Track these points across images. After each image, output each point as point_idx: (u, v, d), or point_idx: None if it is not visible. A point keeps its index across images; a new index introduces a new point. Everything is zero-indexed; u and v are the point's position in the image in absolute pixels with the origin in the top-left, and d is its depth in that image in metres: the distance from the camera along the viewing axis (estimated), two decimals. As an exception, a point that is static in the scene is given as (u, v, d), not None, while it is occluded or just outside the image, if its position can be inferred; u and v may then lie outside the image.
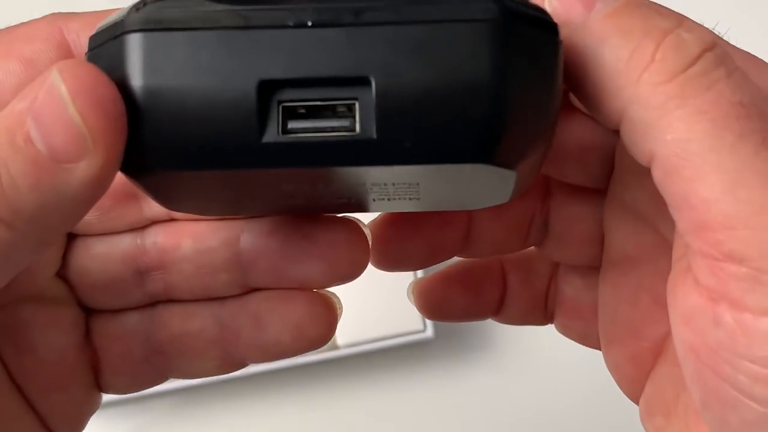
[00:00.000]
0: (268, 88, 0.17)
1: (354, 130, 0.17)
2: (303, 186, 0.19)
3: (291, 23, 0.17)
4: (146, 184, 0.19)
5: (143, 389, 0.25)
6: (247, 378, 0.46)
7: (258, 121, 0.17)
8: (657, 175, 0.18)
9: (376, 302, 0.44)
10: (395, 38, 0.17)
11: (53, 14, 0.22)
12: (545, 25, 0.18)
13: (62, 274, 0.24)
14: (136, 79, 0.17)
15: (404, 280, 0.47)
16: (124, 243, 0.24)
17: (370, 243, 0.24)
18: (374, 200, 0.21)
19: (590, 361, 0.49)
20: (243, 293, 0.24)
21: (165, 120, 0.17)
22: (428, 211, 0.24)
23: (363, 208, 0.22)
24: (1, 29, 0.22)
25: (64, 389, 0.24)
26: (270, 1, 0.17)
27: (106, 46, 0.18)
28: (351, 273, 0.24)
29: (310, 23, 0.17)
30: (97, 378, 0.25)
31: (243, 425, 0.47)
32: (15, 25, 0.22)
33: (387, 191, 0.20)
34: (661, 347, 0.23)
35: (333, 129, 0.17)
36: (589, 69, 0.18)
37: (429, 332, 0.45)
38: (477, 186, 0.19)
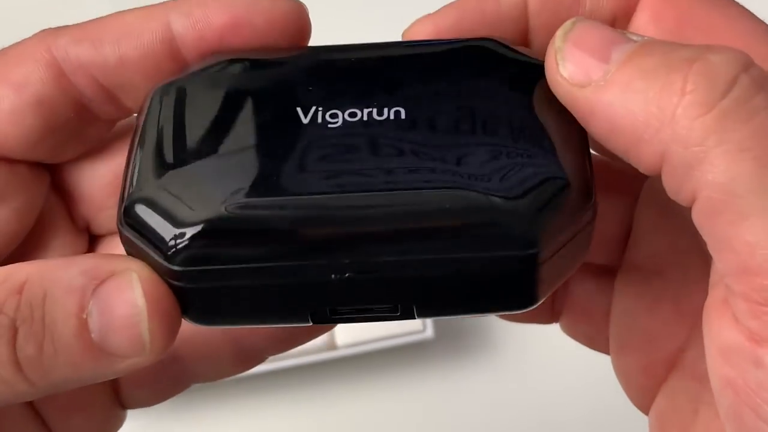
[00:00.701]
0: (319, 316, 0.19)
1: (395, 312, 0.19)
2: None
3: (332, 276, 0.18)
4: None
5: (166, 399, 0.25)
6: (246, 378, 0.46)
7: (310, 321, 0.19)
8: (698, 216, 0.17)
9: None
10: (427, 281, 0.18)
11: (42, 32, 0.22)
12: (580, 223, 0.19)
13: None
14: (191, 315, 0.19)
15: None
16: None
17: None
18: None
19: (590, 362, 0.48)
20: None
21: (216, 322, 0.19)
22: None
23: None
24: None
25: (84, 409, 0.24)
26: (302, 256, 0.18)
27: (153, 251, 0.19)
28: None
29: (348, 275, 0.18)
30: (118, 394, 0.25)
31: (243, 425, 0.47)
32: (5, 48, 0.22)
33: None
34: (676, 359, 0.23)
35: (377, 310, 0.19)
36: (619, 121, 0.17)
37: (429, 332, 0.45)
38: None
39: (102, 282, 0.17)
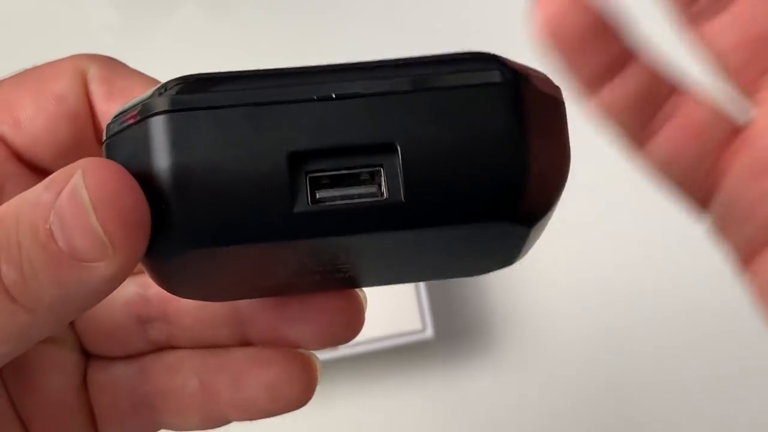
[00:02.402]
0: (297, 160, 0.17)
1: (381, 195, 0.18)
2: (323, 261, 0.19)
3: (315, 96, 0.18)
4: (169, 268, 0.19)
5: None
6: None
7: (290, 193, 0.17)
8: None
9: (375, 302, 0.44)
10: (416, 105, 0.18)
11: (76, 56, 0.23)
12: (549, 86, 0.19)
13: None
14: (165, 162, 0.17)
15: (404, 280, 0.47)
16: (129, 291, 0.25)
17: (365, 308, 0.24)
18: (386, 270, 0.21)
19: (590, 361, 0.49)
20: (232, 346, 0.25)
21: (195, 199, 0.17)
22: (437, 279, 0.24)
23: (373, 281, 0.22)
24: (29, 68, 0.23)
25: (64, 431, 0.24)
26: (289, 77, 0.18)
27: (127, 132, 0.18)
28: (343, 338, 0.24)
29: (333, 95, 0.18)
30: (95, 424, 0.25)
31: (242, 425, 0.47)
32: (42, 65, 0.23)
33: (401, 260, 0.20)
34: None
35: (361, 196, 0.18)
36: None
37: (429, 332, 0.45)
38: (490, 248, 0.20)
39: (62, 189, 0.17)
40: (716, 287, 0.48)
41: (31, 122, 0.22)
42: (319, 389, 0.51)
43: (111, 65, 0.23)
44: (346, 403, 0.47)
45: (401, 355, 0.47)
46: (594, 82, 0.21)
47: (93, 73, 0.23)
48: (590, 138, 0.48)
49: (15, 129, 0.22)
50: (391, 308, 0.46)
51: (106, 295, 0.19)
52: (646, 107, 0.21)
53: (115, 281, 0.18)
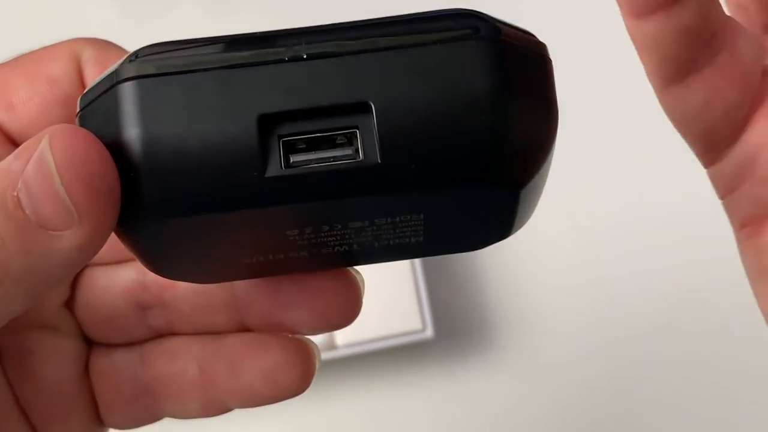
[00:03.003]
0: (268, 123, 0.17)
1: (358, 157, 0.17)
2: (305, 232, 0.19)
3: (286, 57, 0.17)
4: (145, 241, 0.18)
5: (138, 427, 0.25)
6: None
7: (261, 157, 0.17)
8: None
9: (375, 302, 0.44)
10: (391, 63, 0.17)
11: (71, 39, 0.23)
12: (533, 42, 0.18)
13: (69, 304, 0.24)
14: (133, 129, 0.17)
15: (404, 280, 0.47)
16: (127, 278, 0.24)
17: (362, 291, 0.24)
18: (376, 246, 0.20)
19: (590, 361, 0.49)
20: (231, 332, 0.25)
21: (166, 166, 0.17)
22: (431, 255, 0.23)
23: (365, 257, 0.22)
24: (24, 53, 0.23)
25: (64, 420, 0.24)
26: (260, 41, 0.17)
27: (98, 102, 0.17)
28: (339, 322, 0.24)
29: (305, 56, 0.17)
30: (97, 411, 0.25)
31: (242, 425, 0.47)
32: (37, 49, 0.23)
33: (391, 232, 0.19)
34: None
35: (336, 159, 0.17)
36: None
37: (429, 332, 0.45)
38: (481, 217, 0.19)
39: (30, 157, 0.17)
40: (717, 289, 0.48)
41: (25, 106, 0.22)
42: (319, 389, 0.51)
43: (106, 48, 0.23)
44: (346, 403, 0.47)
45: (401, 355, 0.47)
46: (649, 8, 0.19)
47: (87, 56, 0.22)
48: (591, 145, 0.48)
49: (8, 113, 0.22)
50: (391, 308, 0.46)
51: (77, 267, 0.18)
52: (697, 40, 0.19)
53: (83, 252, 0.18)
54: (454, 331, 0.48)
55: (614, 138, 0.50)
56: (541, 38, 0.19)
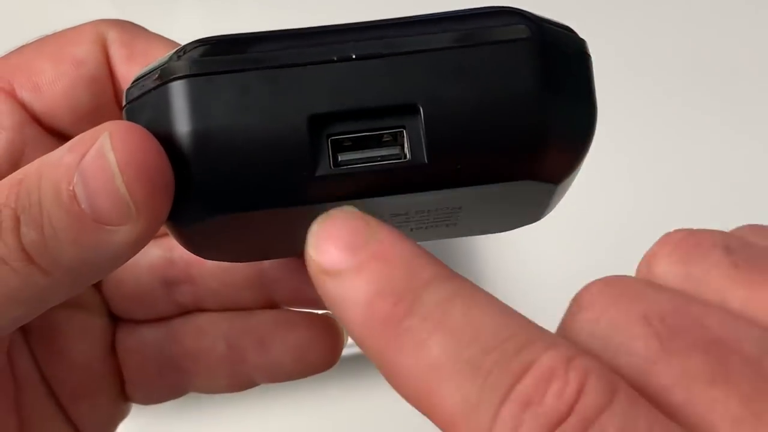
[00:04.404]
0: (317, 123, 0.17)
1: (404, 157, 0.17)
2: None
3: (335, 58, 0.17)
4: (191, 232, 0.18)
5: (162, 401, 0.26)
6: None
7: (311, 156, 0.17)
8: None
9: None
10: (437, 64, 0.17)
11: (96, 20, 0.23)
12: (574, 41, 0.18)
13: (96, 282, 0.24)
14: (185, 127, 0.17)
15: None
16: (154, 254, 0.25)
17: None
18: (412, 230, 0.21)
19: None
20: (258, 309, 0.25)
21: (217, 165, 0.17)
22: (461, 236, 0.23)
23: None
24: (49, 34, 0.23)
25: (92, 396, 0.24)
26: (309, 37, 0.18)
27: (147, 97, 0.18)
28: None
29: (354, 56, 0.17)
30: (123, 388, 0.25)
31: (242, 425, 0.47)
32: (62, 30, 0.23)
33: (427, 218, 0.20)
34: None
35: (384, 158, 0.17)
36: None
37: (429, 332, 0.45)
38: (516, 206, 0.20)
39: (86, 151, 0.17)
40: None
41: (51, 86, 0.22)
42: (319, 389, 0.52)
43: (130, 29, 0.23)
44: (346, 403, 0.47)
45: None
46: None
47: (113, 36, 0.22)
48: (592, 145, 0.48)
49: (35, 93, 0.22)
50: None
51: (125, 260, 0.19)
52: None
53: (135, 246, 0.18)
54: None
55: (615, 139, 0.50)
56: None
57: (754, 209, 0.49)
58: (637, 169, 0.51)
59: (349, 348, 0.45)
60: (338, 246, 0.16)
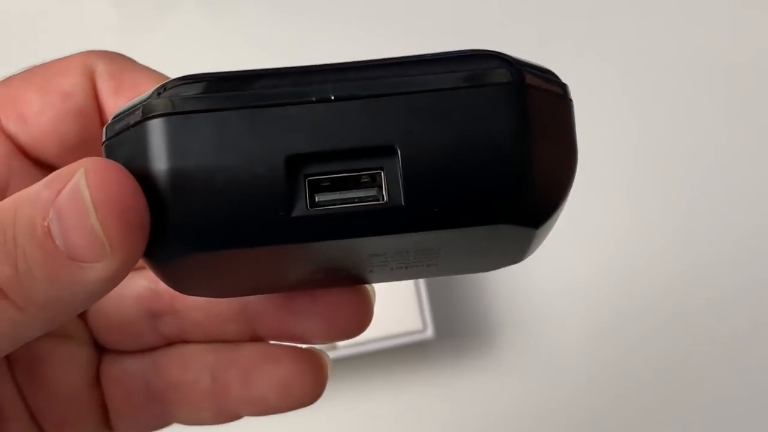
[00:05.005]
0: (295, 163, 0.17)
1: (382, 198, 0.17)
2: (326, 261, 0.19)
3: (313, 98, 0.17)
4: (169, 269, 0.19)
5: None
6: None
7: (287, 196, 0.17)
8: None
9: (376, 303, 0.45)
10: (416, 107, 0.17)
11: (84, 52, 0.23)
12: (555, 84, 0.18)
13: (81, 312, 0.24)
14: (162, 165, 0.17)
15: (405, 281, 0.47)
16: (139, 285, 0.25)
17: (373, 301, 0.24)
18: (392, 269, 0.21)
19: (590, 361, 0.49)
20: (243, 341, 0.25)
21: (194, 203, 0.17)
22: (442, 276, 0.24)
23: (380, 278, 0.22)
24: (37, 65, 0.23)
25: (76, 427, 0.24)
26: (288, 77, 0.18)
27: (126, 134, 0.18)
28: (352, 331, 0.24)
29: (332, 97, 0.17)
30: (107, 418, 0.25)
31: (242, 425, 0.47)
32: (50, 61, 0.23)
33: (406, 259, 0.20)
34: None
35: (361, 200, 0.17)
36: None
37: (429, 332, 0.45)
38: (497, 248, 0.19)
39: (63, 188, 0.17)
40: (722, 293, 0.48)
41: (38, 118, 0.22)
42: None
43: (119, 61, 0.23)
44: (346, 403, 0.47)
45: (401, 355, 0.47)
46: None
47: (101, 68, 0.23)
48: (593, 147, 0.48)
49: (21, 124, 0.22)
50: (392, 308, 0.46)
51: (100, 297, 0.18)
52: None
53: (110, 283, 0.18)
54: (454, 331, 0.48)
55: (616, 140, 0.50)
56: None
57: (754, 209, 0.49)
58: (637, 168, 0.51)
59: (350, 348, 0.45)
60: None
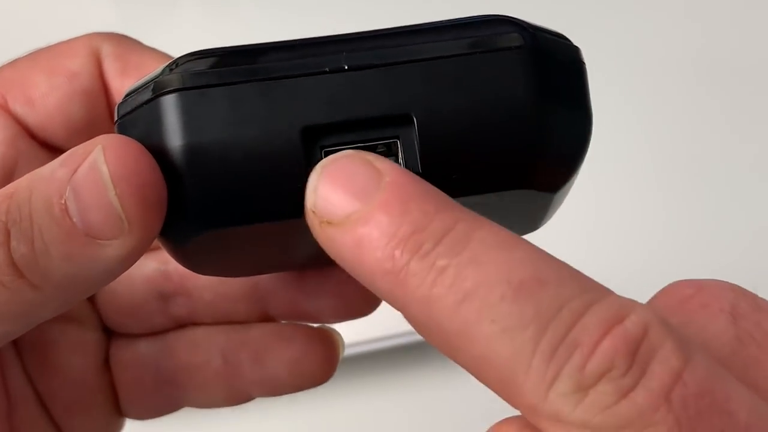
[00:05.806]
0: (311, 135, 0.17)
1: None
2: None
3: (327, 69, 0.17)
4: (185, 246, 0.18)
5: (157, 416, 0.25)
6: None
7: (305, 168, 0.17)
8: None
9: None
10: (430, 74, 0.17)
11: (90, 34, 0.23)
12: (568, 48, 0.18)
13: (90, 296, 0.24)
14: (177, 141, 0.17)
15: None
16: (149, 267, 0.24)
17: None
18: None
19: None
20: (254, 322, 0.25)
21: (211, 178, 0.17)
22: None
23: None
24: (43, 47, 0.23)
25: (85, 411, 0.24)
26: (301, 49, 0.17)
27: (139, 111, 0.18)
28: (362, 310, 0.24)
29: (346, 67, 0.17)
30: (116, 402, 0.25)
31: (243, 425, 0.47)
32: (55, 43, 0.23)
33: None
34: None
35: None
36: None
37: (429, 332, 0.45)
38: (513, 215, 0.19)
39: (79, 165, 0.17)
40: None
41: (44, 100, 0.22)
42: (319, 389, 0.51)
43: (124, 42, 0.23)
44: (346, 403, 0.47)
45: (401, 355, 0.47)
46: None
47: (106, 50, 0.23)
48: (593, 147, 0.48)
49: (28, 107, 0.22)
50: (391, 308, 0.46)
51: (116, 275, 0.18)
52: None
53: (127, 261, 0.18)
54: (454, 331, 0.48)
55: (617, 141, 0.50)
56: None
57: (754, 209, 0.49)
58: (637, 169, 0.51)
59: (349, 348, 0.45)
60: (348, 193, 0.16)
